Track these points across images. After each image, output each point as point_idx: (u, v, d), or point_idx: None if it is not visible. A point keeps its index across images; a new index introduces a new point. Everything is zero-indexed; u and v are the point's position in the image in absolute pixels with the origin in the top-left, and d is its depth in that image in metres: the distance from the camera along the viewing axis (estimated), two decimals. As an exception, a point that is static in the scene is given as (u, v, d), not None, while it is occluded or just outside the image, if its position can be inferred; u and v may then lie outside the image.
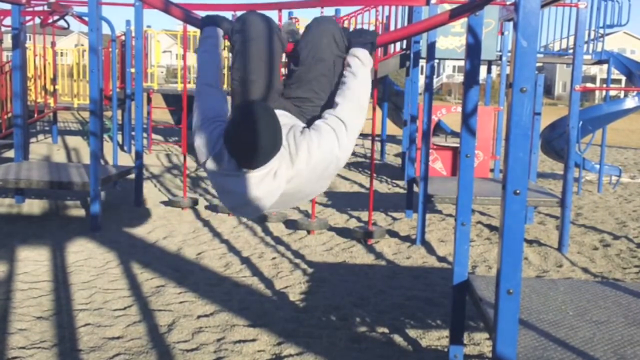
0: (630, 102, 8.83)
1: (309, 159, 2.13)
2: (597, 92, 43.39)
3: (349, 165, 11.44)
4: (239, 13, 4.69)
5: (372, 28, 11.14)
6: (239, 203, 2.16)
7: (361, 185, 9.14)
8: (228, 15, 4.40)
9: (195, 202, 7.12)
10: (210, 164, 2.16)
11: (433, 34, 5.95)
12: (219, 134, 2.17)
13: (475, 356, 3.41)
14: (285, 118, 2.31)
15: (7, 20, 8.84)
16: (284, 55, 2.59)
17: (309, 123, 2.35)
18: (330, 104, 2.40)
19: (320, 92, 2.46)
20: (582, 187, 8.97)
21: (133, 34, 9.57)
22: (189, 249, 5.42)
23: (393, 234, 6.18)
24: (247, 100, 2.12)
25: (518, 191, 2.01)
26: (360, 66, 2.41)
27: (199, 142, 2.20)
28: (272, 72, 2.46)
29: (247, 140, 1.98)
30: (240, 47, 2.46)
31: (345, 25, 10.33)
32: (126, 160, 10.13)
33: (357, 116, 2.31)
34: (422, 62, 7.48)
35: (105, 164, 8.08)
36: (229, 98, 2.48)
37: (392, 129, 14.95)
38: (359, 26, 10.71)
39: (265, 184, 2.09)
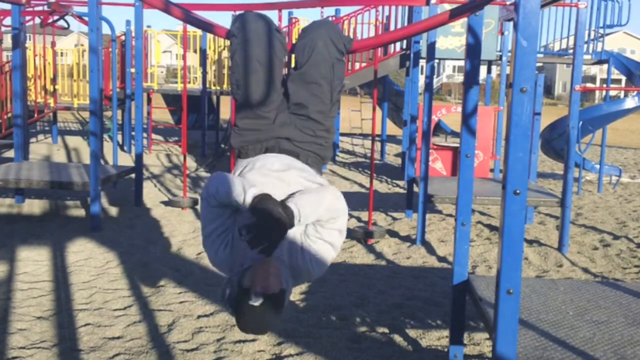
0: (630, 102, 8.84)
1: (310, 266, 2.24)
2: (597, 92, 43.42)
3: (349, 165, 11.44)
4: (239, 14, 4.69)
5: (371, 28, 11.13)
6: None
7: (361, 185, 9.13)
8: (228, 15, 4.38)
9: (195, 202, 7.12)
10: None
11: (433, 34, 5.95)
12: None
13: (475, 356, 3.41)
14: (294, 176, 2.34)
15: (7, 20, 8.85)
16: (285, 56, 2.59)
17: (311, 149, 2.43)
18: (330, 107, 2.41)
19: (320, 95, 2.45)
20: (582, 187, 8.97)
21: (133, 34, 9.58)
22: (189, 249, 5.42)
23: (393, 234, 6.18)
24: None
25: (518, 191, 2.01)
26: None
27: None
28: (272, 72, 2.45)
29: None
30: (238, 48, 2.46)
31: (346, 25, 10.32)
32: (126, 160, 10.13)
33: (339, 232, 2.29)
34: (422, 62, 7.49)
35: (105, 164, 8.08)
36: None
37: (392, 129, 14.95)
38: (359, 26, 10.71)
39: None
